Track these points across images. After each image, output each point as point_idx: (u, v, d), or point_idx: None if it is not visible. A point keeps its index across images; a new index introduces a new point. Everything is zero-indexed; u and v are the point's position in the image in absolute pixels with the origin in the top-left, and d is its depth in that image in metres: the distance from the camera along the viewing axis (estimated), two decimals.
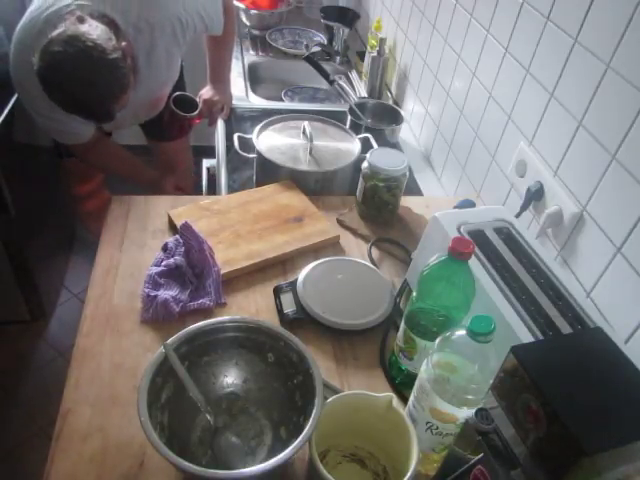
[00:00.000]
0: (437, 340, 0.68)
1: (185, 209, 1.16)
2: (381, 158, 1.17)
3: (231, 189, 1.39)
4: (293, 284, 1.01)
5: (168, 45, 1.39)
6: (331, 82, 1.67)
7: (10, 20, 1.74)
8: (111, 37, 1.14)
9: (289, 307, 0.98)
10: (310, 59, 1.70)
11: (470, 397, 0.65)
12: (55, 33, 1.10)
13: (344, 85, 1.73)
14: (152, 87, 1.47)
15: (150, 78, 1.41)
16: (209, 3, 1.45)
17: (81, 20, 1.13)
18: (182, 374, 0.73)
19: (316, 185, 1.29)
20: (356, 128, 1.53)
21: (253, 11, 2.23)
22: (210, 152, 1.69)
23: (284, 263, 1.10)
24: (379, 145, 1.42)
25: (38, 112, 1.34)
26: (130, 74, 1.18)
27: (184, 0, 1.36)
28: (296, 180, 1.27)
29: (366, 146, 1.37)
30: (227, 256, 1.06)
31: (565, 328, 0.78)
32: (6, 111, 1.73)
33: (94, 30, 1.12)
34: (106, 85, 1.15)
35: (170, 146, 1.87)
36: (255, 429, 0.80)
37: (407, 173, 1.18)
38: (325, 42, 2.21)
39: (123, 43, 1.18)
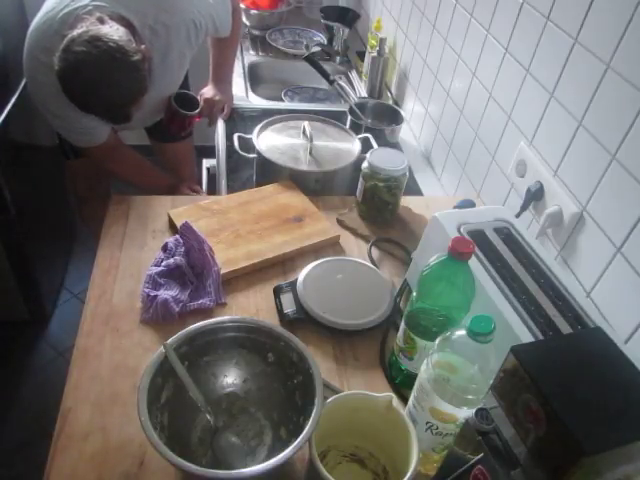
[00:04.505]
0: (437, 340, 0.68)
1: (185, 209, 1.16)
2: (381, 158, 1.17)
3: (231, 189, 1.39)
4: (293, 284, 1.01)
5: (182, 48, 1.39)
6: (331, 82, 1.67)
7: (6, 20, 1.74)
8: (131, 39, 1.14)
9: (289, 307, 0.98)
10: (310, 59, 1.70)
11: (470, 397, 0.65)
12: (76, 33, 1.09)
13: (344, 85, 1.73)
14: (163, 89, 1.47)
15: (163, 80, 1.41)
16: (220, 5, 1.45)
17: (101, 21, 1.13)
18: (182, 374, 0.73)
19: (316, 185, 1.29)
20: (356, 128, 1.53)
21: (253, 11, 2.23)
22: (210, 152, 1.69)
23: (284, 263, 1.10)
24: (379, 145, 1.42)
25: (53, 113, 1.33)
26: (148, 76, 1.18)
27: (198, 3, 1.36)
28: (296, 180, 1.27)
29: (366, 146, 1.37)
30: (227, 256, 1.06)
31: (565, 328, 0.78)
32: (6, 111, 1.73)
33: (115, 32, 1.11)
34: (127, 87, 1.14)
35: (173, 148, 1.86)
36: (255, 429, 0.80)
37: (407, 173, 1.18)
38: (325, 42, 2.21)
39: (142, 46, 1.18)
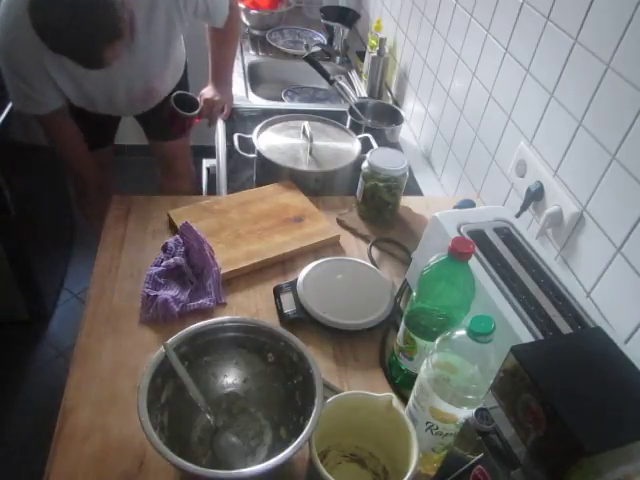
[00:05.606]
0: (437, 340, 0.68)
1: (185, 209, 1.16)
2: (381, 158, 1.17)
3: (231, 189, 1.39)
4: (293, 284, 1.01)
5: (169, 10, 1.35)
6: (331, 82, 1.67)
7: None
8: None
9: (289, 307, 0.98)
10: (310, 59, 1.70)
11: (470, 397, 0.65)
12: None
13: (344, 85, 1.73)
14: (150, 63, 1.45)
15: (149, 46, 1.38)
16: None
17: None
18: (182, 374, 0.73)
19: (316, 185, 1.29)
20: (356, 128, 1.53)
21: (253, 11, 2.23)
22: (210, 152, 1.69)
23: (284, 263, 1.10)
24: (379, 145, 1.42)
25: (18, 73, 1.29)
26: (127, 24, 1.15)
27: None
28: (296, 180, 1.27)
29: (366, 146, 1.37)
30: (227, 256, 1.06)
31: (565, 328, 0.78)
32: (6, 111, 1.73)
33: None
34: (101, 24, 1.10)
35: (170, 147, 1.86)
36: (255, 429, 0.80)
37: (407, 173, 1.18)
38: (325, 42, 2.21)
39: None
